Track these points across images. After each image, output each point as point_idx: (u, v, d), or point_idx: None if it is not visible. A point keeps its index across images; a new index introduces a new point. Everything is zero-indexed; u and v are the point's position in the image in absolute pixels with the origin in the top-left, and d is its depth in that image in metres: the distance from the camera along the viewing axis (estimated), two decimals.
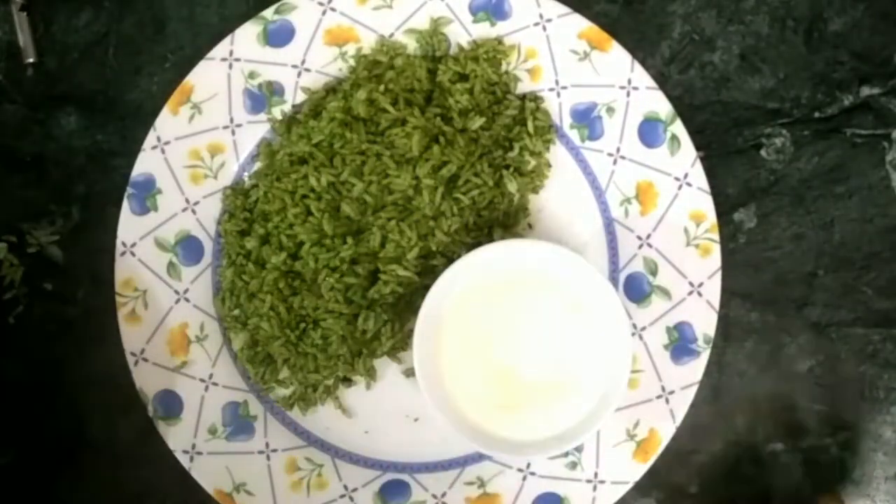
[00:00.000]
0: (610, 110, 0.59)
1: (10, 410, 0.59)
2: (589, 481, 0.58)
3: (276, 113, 0.60)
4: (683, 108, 0.59)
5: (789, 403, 0.60)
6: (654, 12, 0.61)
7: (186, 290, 0.59)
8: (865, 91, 0.61)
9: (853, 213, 0.61)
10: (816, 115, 0.61)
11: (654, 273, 0.59)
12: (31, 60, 0.61)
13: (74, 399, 0.59)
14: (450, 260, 0.56)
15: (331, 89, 0.59)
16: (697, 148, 0.59)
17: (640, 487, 0.59)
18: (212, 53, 0.59)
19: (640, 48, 0.60)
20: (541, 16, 0.59)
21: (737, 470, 0.60)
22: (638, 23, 0.61)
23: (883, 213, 0.60)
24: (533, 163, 0.59)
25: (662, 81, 0.59)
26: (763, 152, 0.60)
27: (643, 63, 0.59)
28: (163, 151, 0.59)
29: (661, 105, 0.59)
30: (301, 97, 0.60)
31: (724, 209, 0.60)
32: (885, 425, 0.60)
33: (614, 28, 0.59)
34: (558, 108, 0.60)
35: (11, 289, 0.60)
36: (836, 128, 0.61)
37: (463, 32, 0.60)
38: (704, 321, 0.58)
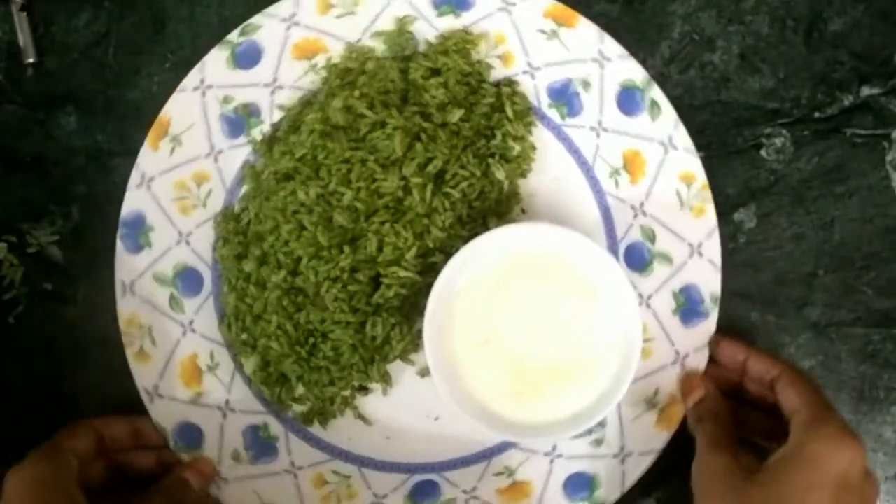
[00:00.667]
0: (586, 84, 0.59)
1: (10, 410, 0.60)
2: (616, 455, 0.58)
3: (256, 134, 0.60)
4: (683, 108, 0.59)
5: None
6: (654, 12, 0.61)
7: (191, 322, 0.59)
8: (865, 91, 0.60)
9: (853, 213, 0.60)
10: (816, 115, 0.61)
11: (652, 240, 0.59)
12: (31, 60, 0.61)
13: (74, 399, 0.59)
14: (448, 255, 0.56)
15: (306, 103, 0.59)
16: (697, 148, 0.59)
17: (641, 487, 0.59)
18: (183, 84, 0.59)
19: (640, 48, 0.59)
20: (504, 0, 0.59)
21: None
22: (638, 23, 0.61)
23: (883, 213, 0.60)
24: (517, 148, 0.59)
25: (662, 81, 0.59)
26: (763, 152, 0.60)
27: (643, 63, 0.59)
28: (148, 188, 0.59)
29: (636, 72, 0.59)
30: (278, 115, 0.60)
31: (724, 209, 0.60)
32: (885, 425, 0.60)
33: (614, 28, 0.59)
34: (534, 89, 0.60)
35: (11, 289, 0.61)
36: (836, 128, 0.60)
37: (429, 28, 0.60)
38: (709, 280, 0.58)
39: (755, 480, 0.49)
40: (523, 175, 0.60)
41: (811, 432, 0.49)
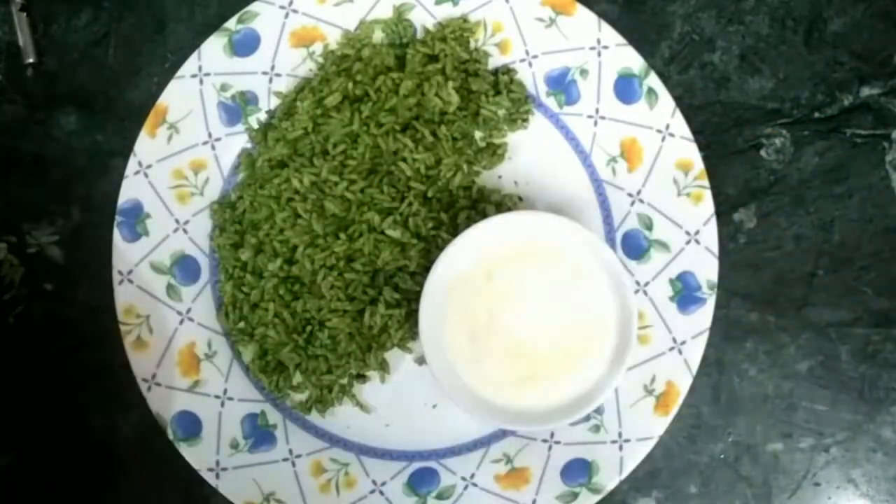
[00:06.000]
0: (583, 72, 0.59)
1: (10, 410, 0.60)
2: (614, 441, 0.58)
3: (253, 122, 0.60)
4: (683, 108, 0.59)
5: (789, 403, 0.60)
6: (654, 12, 0.61)
7: (189, 310, 0.59)
8: (865, 91, 0.61)
9: (853, 213, 0.60)
10: (816, 115, 0.61)
11: (649, 228, 0.59)
12: (31, 60, 0.61)
13: (74, 399, 0.59)
14: (445, 243, 0.56)
15: (300, 89, 0.59)
16: (697, 148, 0.59)
17: (640, 487, 0.59)
18: (181, 71, 0.59)
19: (640, 48, 0.59)
20: None
21: (737, 470, 0.60)
22: (638, 23, 0.61)
23: (883, 213, 0.60)
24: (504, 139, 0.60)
25: (662, 81, 0.59)
26: (763, 152, 0.60)
27: None
28: (146, 175, 0.59)
29: (634, 60, 0.59)
30: (275, 102, 0.60)
31: (724, 209, 0.60)
32: (885, 425, 0.60)
33: (614, 28, 0.59)
34: (532, 77, 0.60)
35: (11, 289, 0.60)
36: (836, 128, 0.61)
37: (427, 16, 0.60)
38: (705, 267, 0.58)
39: None
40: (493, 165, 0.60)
41: None
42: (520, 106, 0.59)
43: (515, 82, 0.59)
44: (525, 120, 0.60)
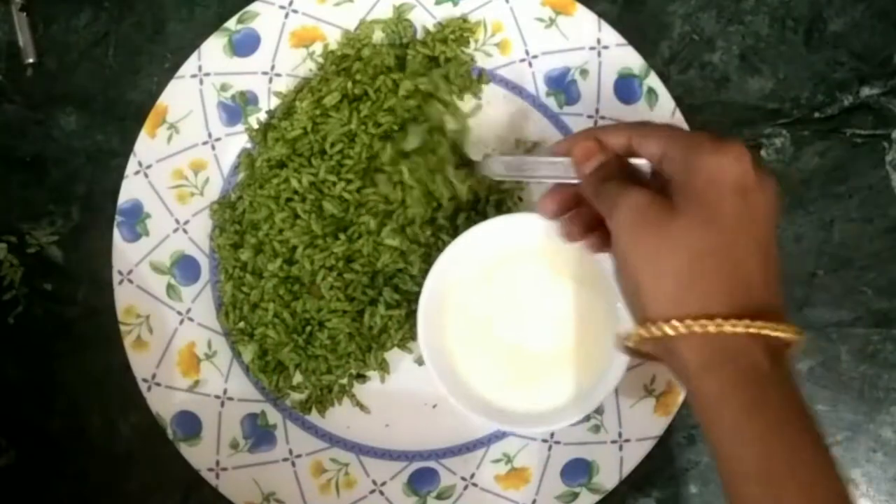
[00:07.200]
0: (583, 72, 0.59)
1: (10, 410, 0.60)
2: (614, 441, 0.58)
3: (253, 122, 0.60)
4: (683, 109, 0.59)
5: None
6: (654, 12, 0.61)
7: (189, 310, 0.59)
8: (865, 91, 0.60)
9: (853, 213, 0.60)
10: (816, 115, 0.61)
11: None
12: (31, 60, 0.61)
13: (74, 399, 0.59)
14: (445, 245, 0.56)
15: (300, 89, 0.59)
16: None
17: (640, 487, 0.59)
18: (181, 71, 0.59)
19: (640, 48, 0.59)
20: None
21: None
22: (638, 23, 0.61)
23: (883, 213, 0.60)
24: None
25: (662, 81, 0.59)
26: (763, 152, 0.60)
27: None
28: (146, 175, 0.59)
29: (634, 60, 0.59)
30: (275, 102, 0.60)
31: None
32: (885, 425, 0.60)
33: (614, 28, 0.59)
34: (532, 77, 0.60)
35: (11, 289, 0.60)
36: (836, 128, 0.60)
37: (427, 16, 0.60)
38: None
39: (675, 206, 0.42)
40: None
41: (691, 157, 0.42)
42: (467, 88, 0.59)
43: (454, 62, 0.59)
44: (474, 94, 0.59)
